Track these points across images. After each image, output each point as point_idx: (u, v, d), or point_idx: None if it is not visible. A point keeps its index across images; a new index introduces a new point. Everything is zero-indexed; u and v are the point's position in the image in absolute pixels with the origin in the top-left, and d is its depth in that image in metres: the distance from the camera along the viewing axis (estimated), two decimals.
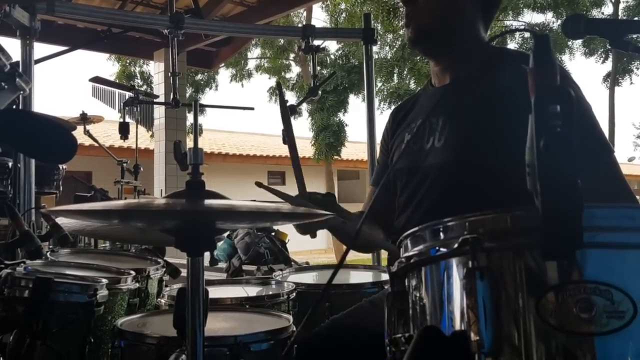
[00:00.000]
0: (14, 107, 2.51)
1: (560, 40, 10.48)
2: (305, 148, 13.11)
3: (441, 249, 0.76)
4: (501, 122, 1.27)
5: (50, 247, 2.54)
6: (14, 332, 1.43)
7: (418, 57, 10.30)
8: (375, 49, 3.66)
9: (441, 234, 0.77)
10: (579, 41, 10.96)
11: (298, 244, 3.96)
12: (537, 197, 0.63)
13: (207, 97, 12.25)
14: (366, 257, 3.85)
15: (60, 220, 2.13)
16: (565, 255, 0.65)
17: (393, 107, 1.78)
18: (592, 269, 0.68)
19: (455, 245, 0.72)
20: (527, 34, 11.27)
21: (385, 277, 2.24)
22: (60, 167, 3.79)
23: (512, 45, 10.89)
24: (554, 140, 0.62)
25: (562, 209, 0.62)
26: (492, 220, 0.73)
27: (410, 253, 0.81)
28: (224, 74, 13.49)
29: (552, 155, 0.61)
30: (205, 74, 11.77)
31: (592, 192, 0.78)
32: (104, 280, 1.66)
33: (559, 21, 10.90)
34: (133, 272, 1.90)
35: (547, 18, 11.46)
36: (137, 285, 1.88)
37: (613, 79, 12.93)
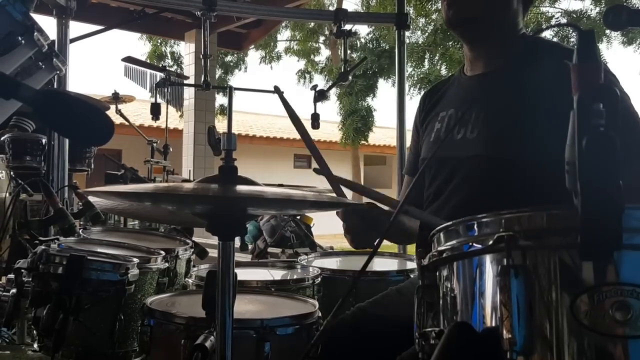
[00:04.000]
0: (50, 87, 2.55)
1: (598, 29, 10.19)
2: (333, 132, 13.08)
3: (475, 245, 0.75)
4: (537, 116, 1.25)
5: (82, 224, 2.59)
6: (47, 307, 1.47)
7: (450, 43, 10.13)
8: (406, 33, 3.62)
9: (475, 229, 0.76)
10: None
11: (322, 228, 3.98)
12: (577, 197, 0.62)
13: (236, 78, 12.32)
14: (392, 245, 3.84)
15: (93, 199, 2.17)
16: (602, 256, 0.64)
17: (423, 92, 1.75)
18: (629, 271, 0.67)
19: (490, 242, 0.71)
20: (559, 15, 11.00)
21: (410, 265, 2.24)
22: (91, 146, 3.84)
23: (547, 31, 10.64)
24: (597, 139, 0.60)
25: (602, 209, 0.61)
26: (528, 218, 0.72)
27: (443, 247, 0.81)
28: (253, 55, 13.50)
29: (594, 155, 0.60)
30: (235, 55, 11.79)
31: (632, 192, 0.77)
32: (135, 260, 1.69)
33: (597, 8, 10.59)
34: (163, 252, 1.93)
35: (585, 5, 11.18)
36: (167, 264, 1.91)
37: None
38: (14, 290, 1.65)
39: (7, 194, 3.07)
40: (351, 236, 1.45)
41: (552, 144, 0.85)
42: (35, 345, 1.67)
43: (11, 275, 1.71)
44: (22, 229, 2.07)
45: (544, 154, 1.12)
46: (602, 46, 11.12)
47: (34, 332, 1.82)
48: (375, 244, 1.12)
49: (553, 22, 10.72)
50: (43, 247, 1.64)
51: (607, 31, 10.65)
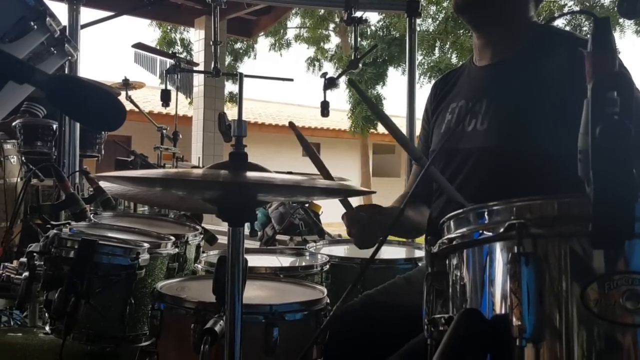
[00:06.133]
0: (62, 72, 2.56)
1: (611, 18, 10.06)
2: (342, 120, 13.06)
3: (485, 233, 0.75)
4: (548, 107, 1.24)
5: (92, 209, 2.61)
6: (59, 290, 1.49)
7: (461, 31, 10.05)
8: (417, 21, 3.60)
9: (486, 217, 0.76)
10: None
11: (330, 216, 3.98)
12: (589, 185, 0.62)
13: (246, 65, 12.29)
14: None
15: (103, 184, 2.19)
16: (614, 245, 0.64)
17: (433, 81, 1.74)
18: None
19: (501, 230, 0.71)
20: (572, 4, 10.85)
21: (418, 253, 2.24)
22: (103, 132, 3.86)
23: (559, 20, 10.51)
24: (611, 127, 0.60)
25: (615, 198, 0.60)
26: (540, 206, 0.72)
27: (453, 235, 0.81)
28: (262, 42, 13.46)
29: (607, 143, 0.60)
30: (245, 42, 11.76)
31: None
32: (146, 245, 1.70)
33: None
34: (172, 238, 1.94)
35: None
36: (177, 250, 1.92)
37: None
38: (26, 274, 1.68)
39: (19, 179, 3.10)
40: (355, 239, 1.47)
41: (562, 135, 0.84)
42: (47, 328, 1.70)
43: (23, 259, 1.73)
44: (33, 214, 2.10)
45: (555, 145, 1.11)
46: (615, 35, 10.96)
47: (46, 315, 1.84)
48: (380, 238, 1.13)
49: (566, 10, 10.59)
50: (55, 231, 1.66)
51: (621, 20, 10.51)
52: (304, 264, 1.97)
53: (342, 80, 3.33)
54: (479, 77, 1.49)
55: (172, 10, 7.69)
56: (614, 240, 0.62)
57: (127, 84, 4.63)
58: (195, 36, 8.21)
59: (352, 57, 3.23)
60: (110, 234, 1.87)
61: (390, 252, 2.34)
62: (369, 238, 1.45)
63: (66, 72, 2.85)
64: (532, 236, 0.70)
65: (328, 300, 1.47)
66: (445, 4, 10.56)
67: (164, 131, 4.45)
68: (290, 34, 13.47)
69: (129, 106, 4.84)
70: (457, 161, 1.42)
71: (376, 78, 11.25)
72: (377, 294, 1.51)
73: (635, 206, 0.62)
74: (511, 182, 1.29)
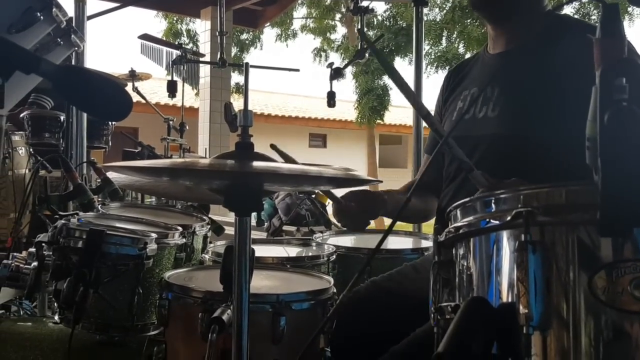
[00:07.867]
0: (69, 63, 2.56)
1: (620, 6, 9.94)
2: (348, 111, 13.01)
3: (492, 221, 0.75)
4: (559, 94, 1.24)
5: (100, 199, 2.63)
6: (68, 280, 1.51)
7: (468, 20, 9.97)
8: (424, 10, 3.57)
9: (493, 205, 0.76)
10: None
11: None
12: (597, 172, 0.62)
13: (252, 56, 12.25)
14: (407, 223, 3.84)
15: (111, 175, 2.20)
16: (621, 233, 0.64)
17: (440, 71, 1.74)
18: None
19: (508, 218, 0.71)
20: None
21: (425, 243, 2.24)
22: (110, 123, 3.87)
23: (568, 8, 10.39)
24: (619, 114, 0.60)
25: (623, 185, 0.60)
26: (547, 194, 0.72)
27: (460, 223, 0.81)
28: (269, 33, 13.41)
29: (615, 130, 0.60)
30: (251, 33, 11.72)
31: None
32: (154, 235, 1.71)
33: None
34: (180, 228, 1.95)
35: None
36: (184, 240, 1.93)
37: None
38: (35, 264, 1.69)
39: (27, 170, 3.12)
40: (343, 217, 1.54)
41: (573, 122, 0.84)
42: (56, 318, 1.71)
43: (32, 249, 1.75)
44: (42, 205, 2.11)
45: (565, 132, 1.11)
46: (624, 24, 10.83)
47: (55, 304, 1.86)
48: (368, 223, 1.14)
49: None
50: (63, 221, 1.67)
51: (630, 8, 10.38)
52: (310, 254, 1.97)
53: (349, 71, 3.31)
54: (491, 64, 1.50)
55: (178, 1, 7.69)
56: (621, 228, 0.62)
57: (133, 75, 4.62)
58: (201, 27, 8.20)
59: (359, 47, 3.21)
60: (118, 225, 1.88)
61: (397, 242, 2.34)
62: (359, 224, 1.57)
63: (73, 63, 2.85)
64: (539, 224, 0.70)
65: (335, 290, 1.48)
66: None
67: (171, 122, 4.45)
68: (297, 24, 13.41)
69: (135, 97, 4.83)
70: (468, 148, 1.41)
71: (383, 68, 11.18)
72: (383, 281, 1.52)
73: None
74: (522, 169, 1.28)
